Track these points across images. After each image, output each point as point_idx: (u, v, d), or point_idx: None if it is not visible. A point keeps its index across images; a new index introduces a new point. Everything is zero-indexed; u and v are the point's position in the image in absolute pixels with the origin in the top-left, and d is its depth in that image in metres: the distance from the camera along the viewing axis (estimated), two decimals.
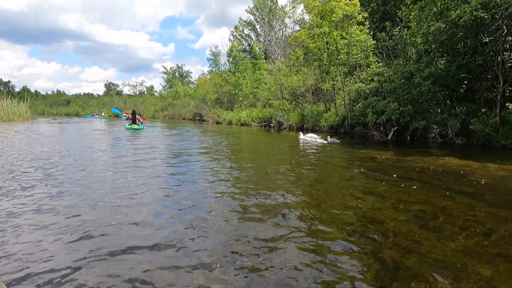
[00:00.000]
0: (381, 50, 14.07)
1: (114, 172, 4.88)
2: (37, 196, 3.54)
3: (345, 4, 13.85)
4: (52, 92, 75.00)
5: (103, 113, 42.08)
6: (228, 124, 23.78)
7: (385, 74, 11.52)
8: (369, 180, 4.55)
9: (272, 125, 19.66)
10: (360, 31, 13.95)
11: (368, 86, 12.26)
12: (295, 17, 23.20)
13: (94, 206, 3.21)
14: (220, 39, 78.06)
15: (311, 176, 4.87)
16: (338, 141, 10.14)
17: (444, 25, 8.40)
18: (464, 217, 2.95)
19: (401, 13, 13.41)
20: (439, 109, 10.35)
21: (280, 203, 3.39)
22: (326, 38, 14.50)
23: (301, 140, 10.80)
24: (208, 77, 40.02)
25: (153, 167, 5.40)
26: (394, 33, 12.38)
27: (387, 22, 13.86)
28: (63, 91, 74.75)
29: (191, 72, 70.76)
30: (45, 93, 74.28)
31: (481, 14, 7.36)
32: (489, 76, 9.90)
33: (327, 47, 14.76)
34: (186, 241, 2.42)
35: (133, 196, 3.57)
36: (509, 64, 8.70)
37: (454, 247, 2.31)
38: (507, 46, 8.91)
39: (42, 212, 3.04)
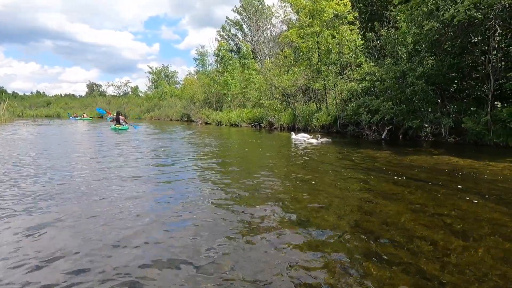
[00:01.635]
0: (370, 50, 14.15)
1: (100, 180, 4.54)
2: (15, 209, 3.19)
3: (336, 3, 13.84)
4: (31, 93, 72.22)
5: (85, 115, 40.79)
6: (218, 125, 23.42)
7: (377, 74, 11.55)
8: (378, 182, 4.41)
9: (263, 125, 19.48)
10: (350, 30, 13.96)
11: (361, 86, 12.26)
12: (282, 17, 23.21)
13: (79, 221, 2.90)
14: (207, 39, 77.45)
15: (315, 179, 4.69)
16: (330, 140, 10.08)
17: (438, 24, 8.44)
18: (491, 221, 2.83)
19: (389, 13, 13.54)
20: (429, 108, 10.45)
21: (287, 211, 3.19)
22: (317, 37, 14.44)
23: (294, 140, 10.67)
24: (195, 77, 39.48)
25: (141, 174, 5.09)
26: (382, 33, 12.45)
27: (375, 22, 13.95)
28: (43, 92, 72.06)
29: (177, 72, 69.72)
30: (23, 94, 71.38)
31: (475, 14, 7.42)
32: (477, 75, 10.09)
33: (318, 47, 14.70)
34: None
35: (122, 203, 3.28)
36: (499, 64, 8.84)
37: (493, 257, 2.17)
38: (496, 46, 9.07)
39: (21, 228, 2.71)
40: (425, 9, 9.69)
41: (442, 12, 8.64)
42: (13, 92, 71.02)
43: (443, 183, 4.26)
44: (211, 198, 3.60)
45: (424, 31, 9.13)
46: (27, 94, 71.95)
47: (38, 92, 72.59)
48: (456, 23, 7.89)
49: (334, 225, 2.78)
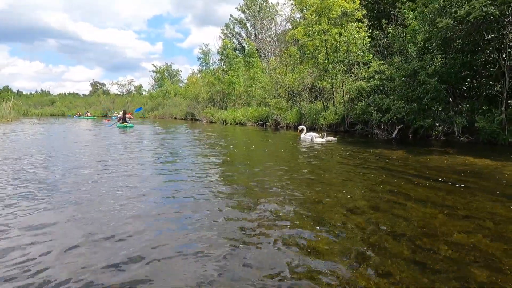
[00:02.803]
0: (377, 48, 13.96)
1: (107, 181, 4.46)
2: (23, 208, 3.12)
3: (344, 0, 13.66)
4: (36, 91, 72.61)
5: (88, 113, 41.00)
6: (223, 124, 23.33)
7: (386, 72, 11.36)
8: (401, 183, 4.29)
9: (268, 124, 19.35)
10: (359, 28, 13.77)
11: (369, 84, 12.07)
12: (288, 15, 23.07)
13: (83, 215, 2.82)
14: (211, 37, 77.41)
15: (333, 179, 4.59)
16: (335, 139, 9.94)
17: (452, 21, 8.26)
18: None
19: (396, 11, 13.33)
20: (440, 107, 10.25)
21: (306, 211, 3.09)
22: (325, 35, 14.27)
23: (302, 139, 10.44)
24: (199, 75, 39.39)
25: (148, 175, 5.01)
26: (389, 31, 12.24)
27: (383, 20, 13.75)
28: (47, 91, 72.45)
29: (181, 70, 69.78)
30: (28, 93, 71.80)
31: (492, 10, 7.25)
32: (490, 74, 9.89)
33: (325, 45, 14.54)
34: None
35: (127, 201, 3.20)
36: None
37: None
38: (510, 43, 8.87)
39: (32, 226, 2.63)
40: (437, 6, 9.52)
41: (455, 9, 8.46)
42: (18, 90, 71.53)
43: (467, 184, 4.13)
44: (220, 196, 3.52)
45: (437, 28, 8.94)
46: (32, 92, 72.42)
47: (42, 91, 73.02)
48: (472, 20, 7.71)
49: (363, 227, 2.67)
